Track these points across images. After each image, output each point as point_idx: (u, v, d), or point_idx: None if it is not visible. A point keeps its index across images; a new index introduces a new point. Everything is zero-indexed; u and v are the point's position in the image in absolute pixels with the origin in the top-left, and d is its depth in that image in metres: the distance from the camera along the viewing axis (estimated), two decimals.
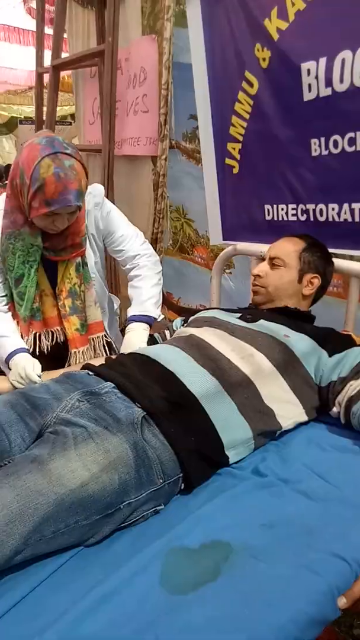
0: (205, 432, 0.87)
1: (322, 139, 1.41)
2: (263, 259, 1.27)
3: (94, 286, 1.36)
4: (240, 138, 1.74)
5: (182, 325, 1.30)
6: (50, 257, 1.27)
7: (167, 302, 2.48)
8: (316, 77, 1.37)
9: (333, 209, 1.44)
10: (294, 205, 1.59)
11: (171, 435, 0.83)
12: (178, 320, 1.34)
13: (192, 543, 0.73)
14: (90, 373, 1.02)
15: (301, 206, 1.56)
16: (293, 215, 1.60)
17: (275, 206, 1.66)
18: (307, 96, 1.42)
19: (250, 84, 1.62)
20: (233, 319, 1.14)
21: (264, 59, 1.54)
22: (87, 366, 1.07)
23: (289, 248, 1.25)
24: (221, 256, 1.58)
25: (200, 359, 0.97)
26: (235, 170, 1.81)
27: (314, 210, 1.51)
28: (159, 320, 1.35)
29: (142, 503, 0.78)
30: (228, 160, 1.83)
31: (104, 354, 1.37)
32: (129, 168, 2.30)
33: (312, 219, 1.53)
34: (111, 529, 0.76)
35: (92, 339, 1.35)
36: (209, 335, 1.04)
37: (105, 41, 2.06)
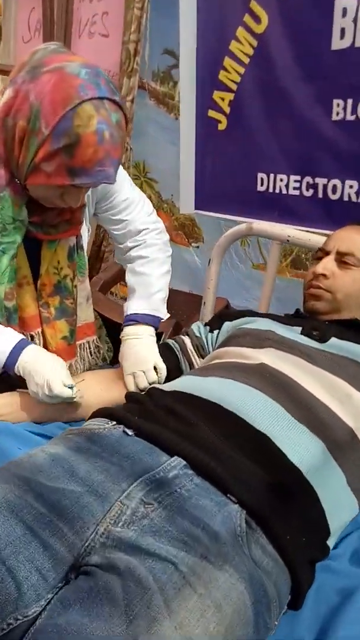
0: (315, 524, 0.61)
1: (350, 101, 1.18)
2: (327, 252, 0.94)
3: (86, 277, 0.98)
4: (234, 87, 1.45)
5: (209, 333, 0.99)
6: (37, 234, 0.87)
7: None
8: (354, 20, 1.12)
9: (351, 187, 1.23)
10: (298, 177, 1.35)
11: (286, 543, 0.55)
12: (200, 326, 1.02)
13: None
14: (129, 432, 0.64)
15: (307, 179, 1.33)
16: (295, 188, 1.36)
17: (272, 175, 1.41)
18: (338, 44, 1.17)
19: (257, 19, 1.32)
20: (295, 334, 0.85)
21: None
22: (107, 413, 0.69)
23: None
24: (227, 236, 1.26)
25: (292, 407, 0.68)
26: (222, 126, 1.52)
27: (325, 186, 1.29)
28: (164, 319, 1.01)
29: None
30: (212, 113, 1.53)
31: (94, 363, 1.02)
32: None
33: (320, 195, 1.31)
34: None
35: (80, 346, 0.99)
36: (286, 366, 0.75)
37: None
